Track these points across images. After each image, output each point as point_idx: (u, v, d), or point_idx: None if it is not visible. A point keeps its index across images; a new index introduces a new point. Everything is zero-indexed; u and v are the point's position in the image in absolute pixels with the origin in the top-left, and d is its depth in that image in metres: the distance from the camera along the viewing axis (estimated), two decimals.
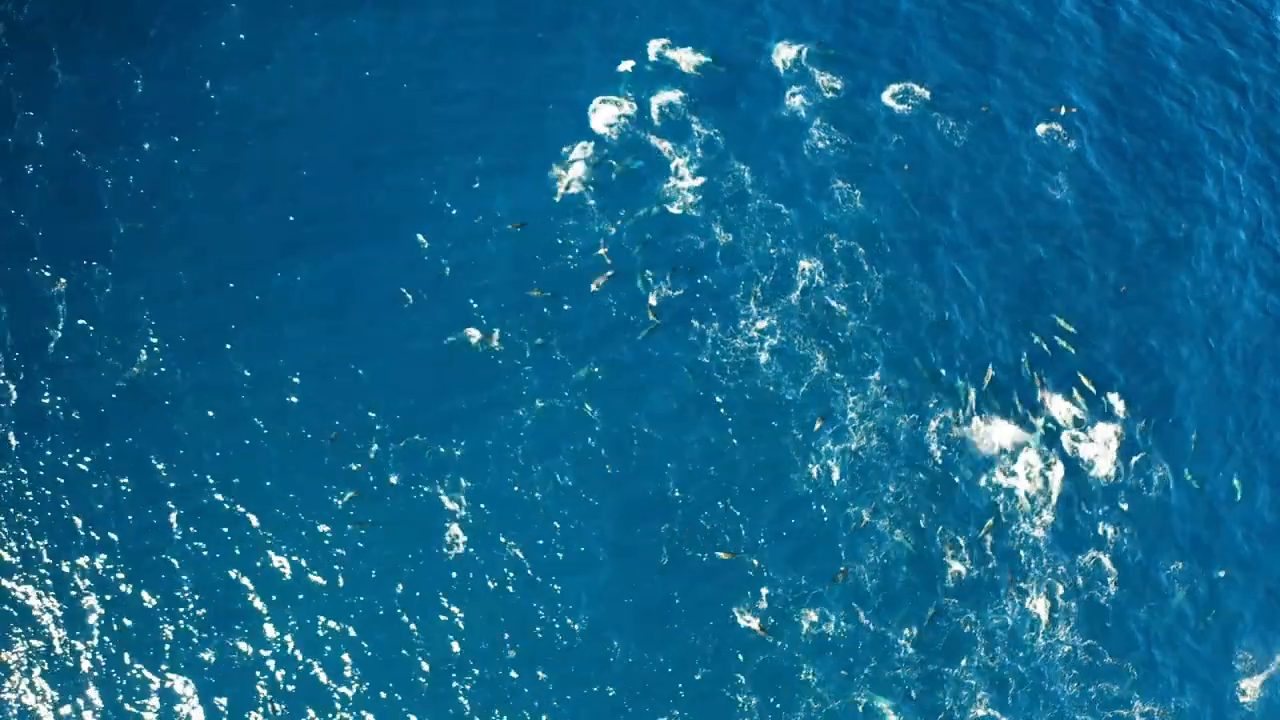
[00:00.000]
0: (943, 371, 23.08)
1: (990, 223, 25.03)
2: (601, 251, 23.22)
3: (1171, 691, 21.29)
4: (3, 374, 21.24)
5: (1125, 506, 22.53)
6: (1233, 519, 22.89)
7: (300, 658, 19.83)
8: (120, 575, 20.07)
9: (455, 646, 20.10)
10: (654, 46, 25.71)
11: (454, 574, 20.54)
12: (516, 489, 21.24)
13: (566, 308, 22.81)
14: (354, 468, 21.11)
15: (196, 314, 22.08)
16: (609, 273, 23.01)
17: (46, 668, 19.54)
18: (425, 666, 19.92)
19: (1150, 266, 25.20)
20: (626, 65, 25.43)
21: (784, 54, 26.01)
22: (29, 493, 20.50)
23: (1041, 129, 26.14)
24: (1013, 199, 25.41)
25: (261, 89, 24.27)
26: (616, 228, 23.58)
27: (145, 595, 20.02)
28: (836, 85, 25.78)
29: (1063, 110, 25.75)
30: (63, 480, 20.62)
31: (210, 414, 21.30)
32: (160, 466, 20.84)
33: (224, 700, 19.48)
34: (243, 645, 19.81)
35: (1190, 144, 26.89)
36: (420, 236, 23.14)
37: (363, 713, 19.58)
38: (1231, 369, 24.58)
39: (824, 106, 25.53)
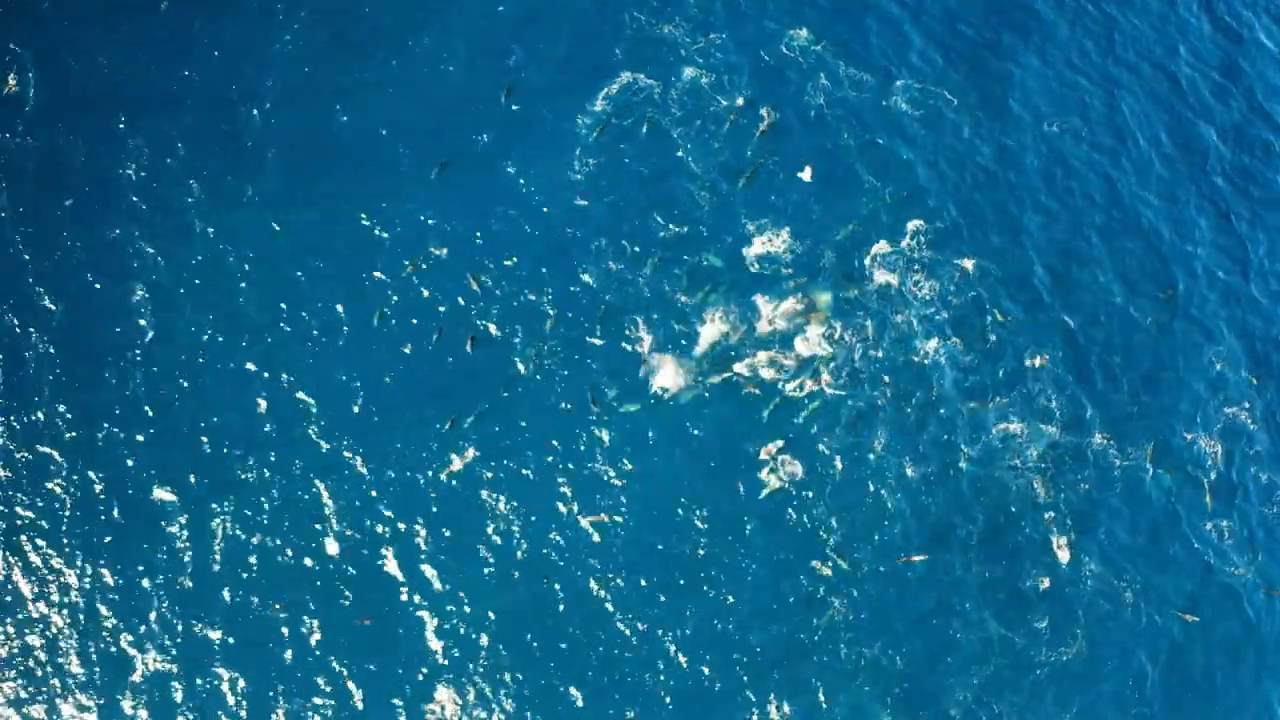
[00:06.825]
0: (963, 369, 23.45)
1: (1024, 220, 25.31)
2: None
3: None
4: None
5: (1140, 511, 22.87)
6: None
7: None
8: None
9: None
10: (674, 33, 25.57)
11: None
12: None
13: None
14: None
15: None
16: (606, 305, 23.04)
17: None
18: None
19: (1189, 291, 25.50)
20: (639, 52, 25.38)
21: (800, 37, 25.87)
22: None
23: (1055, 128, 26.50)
24: (1047, 197, 25.64)
25: None
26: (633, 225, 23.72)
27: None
28: (860, 79, 25.75)
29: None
30: None
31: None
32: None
33: None
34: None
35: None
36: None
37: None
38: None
39: (847, 101, 25.50)
